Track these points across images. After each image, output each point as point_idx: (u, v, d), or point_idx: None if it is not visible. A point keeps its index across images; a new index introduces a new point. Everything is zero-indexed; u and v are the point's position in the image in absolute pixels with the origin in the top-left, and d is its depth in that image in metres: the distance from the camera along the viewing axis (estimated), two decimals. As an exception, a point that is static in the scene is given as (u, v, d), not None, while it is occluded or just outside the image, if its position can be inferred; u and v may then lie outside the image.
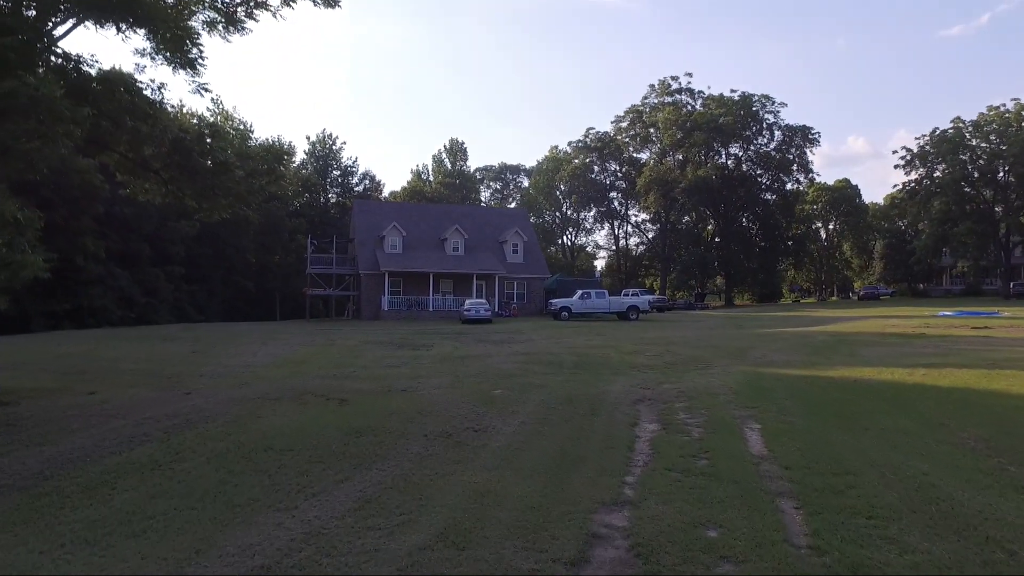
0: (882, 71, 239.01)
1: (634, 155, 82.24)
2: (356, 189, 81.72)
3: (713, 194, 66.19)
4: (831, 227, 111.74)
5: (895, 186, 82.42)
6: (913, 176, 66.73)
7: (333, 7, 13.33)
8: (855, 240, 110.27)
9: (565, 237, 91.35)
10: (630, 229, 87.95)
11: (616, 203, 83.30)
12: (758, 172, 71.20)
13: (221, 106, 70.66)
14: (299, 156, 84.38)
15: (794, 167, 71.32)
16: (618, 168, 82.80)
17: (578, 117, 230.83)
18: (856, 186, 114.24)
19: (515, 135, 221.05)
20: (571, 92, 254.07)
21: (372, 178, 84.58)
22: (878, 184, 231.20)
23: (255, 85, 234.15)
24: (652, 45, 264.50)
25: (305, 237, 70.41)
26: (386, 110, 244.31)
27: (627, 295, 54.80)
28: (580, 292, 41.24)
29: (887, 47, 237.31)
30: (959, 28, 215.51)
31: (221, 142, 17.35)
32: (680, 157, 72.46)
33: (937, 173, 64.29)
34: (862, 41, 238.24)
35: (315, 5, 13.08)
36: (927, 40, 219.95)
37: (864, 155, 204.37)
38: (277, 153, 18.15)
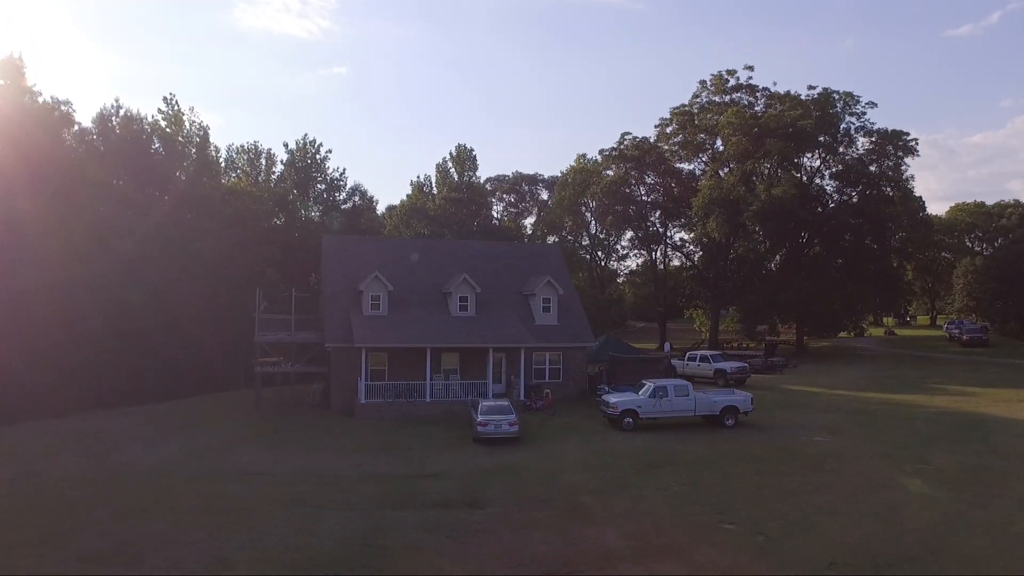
0: (890, 71, 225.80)
1: (677, 165, 68.26)
2: (344, 207, 68.20)
3: (790, 218, 52.15)
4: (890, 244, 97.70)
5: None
6: None
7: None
8: (917, 259, 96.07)
9: (594, 262, 77.47)
10: (669, 252, 73.98)
11: (657, 224, 69.19)
12: (845, 189, 57.16)
13: (176, 106, 57.54)
14: (277, 167, 71.23)
15: (888, 184, 57.25)
16: (657, 180, 68.77)
17: (599, 119, 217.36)
18: (920, 197, 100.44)
19: (531, 140, 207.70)
20: (591, 94, 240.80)
21: (363, 193, 71.07)
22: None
23: (242, 90, 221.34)
24: (663, 47, 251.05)
25: (277, 270, 57.01)
26: (384, 117, 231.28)
27: (694, 360, 41.00)
28: (652, 386, 27.44)
29: (896, 47, 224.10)
30: (968, 27, 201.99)
31: None
32: (737, 168, 58.45)
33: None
34: (870, 41, 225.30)
35: None
36: (935, 39, 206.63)
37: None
38: None
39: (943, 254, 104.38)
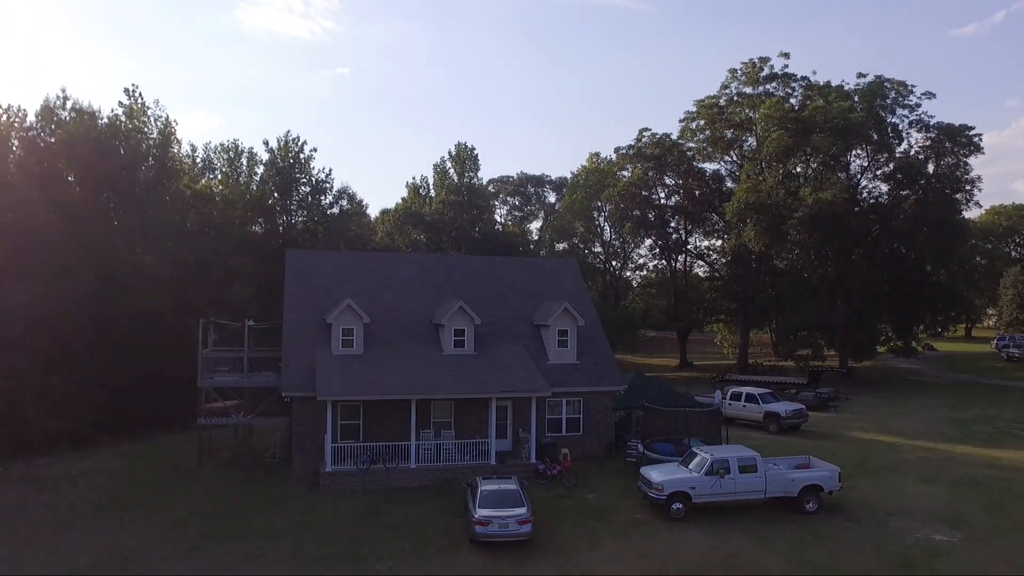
0: (894, 71, 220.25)
1: (700, 165, 61.29)
2: (330, 212, 61.27)
3: (839, 225, 45.17)
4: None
5: None
6: None
7: None
8: (951, 268, 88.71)
9: (608, 271, 70.45)
10: (691, 261, 66.97)
11: (681, 232, 62.18)
12: (898, 192, 50.08)
13: (139, 99, 50.80)
14: (260, 169, 64.23)
15: (949, 187, 50.27)
16: (678, 182, 61.78)
17: (604, 118, 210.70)
18: (956, 199, 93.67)
19: (536, 139, 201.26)
20: (595, 92, 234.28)
21: (351, 196, 64.08)
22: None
23: (244, 91, 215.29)
24: (662, 47, 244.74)
25: (247, 283, 50.03)
26: (386, 117, 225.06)
27: (738, 400, 34.05)
28: (710, 458, 20.51)
29: (900, 46, 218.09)
30: (972, 27, 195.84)
31: None
32: (776, 168, 51.50)
33: None
34: (874, 41, 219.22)
35: None
36: (939, 39, 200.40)
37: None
38: None
39: (978, 259, 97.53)
